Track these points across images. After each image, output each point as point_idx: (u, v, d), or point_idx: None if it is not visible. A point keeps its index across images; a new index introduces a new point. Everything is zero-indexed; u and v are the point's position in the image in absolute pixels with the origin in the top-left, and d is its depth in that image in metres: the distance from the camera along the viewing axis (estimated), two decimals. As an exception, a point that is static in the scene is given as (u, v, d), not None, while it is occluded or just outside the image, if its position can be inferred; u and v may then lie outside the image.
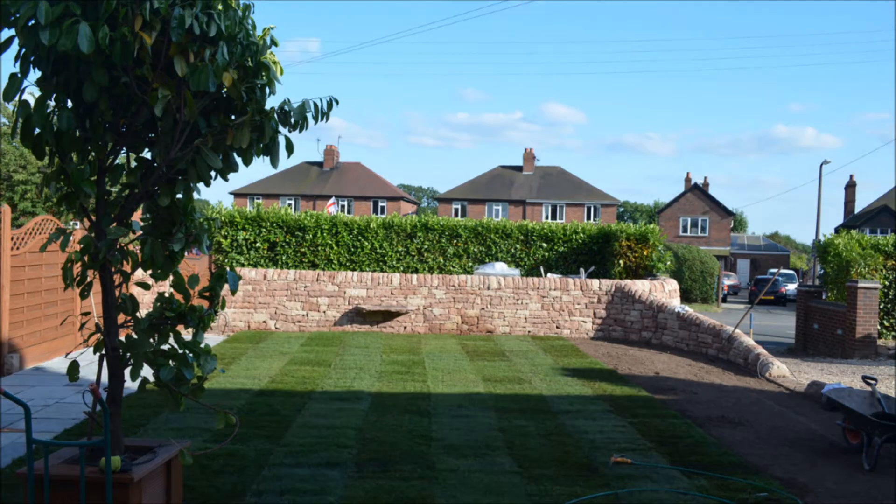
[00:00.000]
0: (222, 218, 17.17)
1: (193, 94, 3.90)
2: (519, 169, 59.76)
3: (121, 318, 4.32)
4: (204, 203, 50.48)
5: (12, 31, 3.60)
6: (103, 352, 4.17)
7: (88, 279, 4.13)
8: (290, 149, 4.33)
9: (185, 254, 4.50)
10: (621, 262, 17.24)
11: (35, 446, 3.74)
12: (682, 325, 13.51)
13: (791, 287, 36.11)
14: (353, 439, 6.58)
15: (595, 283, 15.04)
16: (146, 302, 13.51)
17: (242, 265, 17.09)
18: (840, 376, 12.11)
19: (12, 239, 9.47)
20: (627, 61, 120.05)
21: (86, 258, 4.03)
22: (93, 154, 4.03)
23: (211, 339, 13.13)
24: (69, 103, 3.87)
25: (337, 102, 4.29)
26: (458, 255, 18.10)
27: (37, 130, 3.77)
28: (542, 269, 18.15)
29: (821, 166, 36.67)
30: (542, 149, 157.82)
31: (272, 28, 4.19)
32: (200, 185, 4.20)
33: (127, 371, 4.18)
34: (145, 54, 3.72)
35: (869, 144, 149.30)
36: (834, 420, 7.77)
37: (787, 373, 10.83)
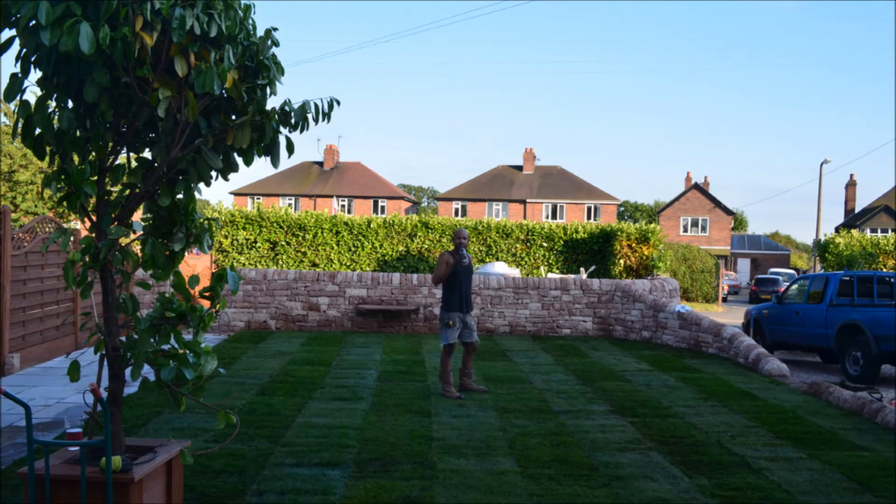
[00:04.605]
0: (223, 217, 17.18)
1: (195, 94, 3.90)
2: (519, 168, 59.78)
3: (121, 318, 4.32)
4: (204, 203, 50.56)
5: (13, 32, 3.60)
6: (104, 352, 4.18)
7: (89, 279, 4.14)
8: (290, 149, 4.33)
9: (186, 253, 4.50)
10: (622, 261, 17.26)
11: (36, 446, 3.74)
12: (682, 325, 13.51)
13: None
14: (353, 439, 6.58)
15: (595, 282, 15.04)
16: (147, 302, 13.52)
17: (243, 265, 17.10)
18: (840, 375, 12.11)
19: (13, 239, 9.47)
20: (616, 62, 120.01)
21: (86, 258, 4.03)
22: (93, 154, 4.03)
23: (211, 338, 13.14)
24: (70, 103, 3.87)
25: (338, 103, 4.29)
26: (458, 254, 18.10)
27: (38, 130, 3.77)
28: (542, 269, 18.16)
29: (821, 165, 36.65)
30: (544, 147, 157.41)
31: (274, 29, 4.19)
32: (201, 185, 4.19)
33: (127, 371, 4.18)
34: (146, 54, 3.71)
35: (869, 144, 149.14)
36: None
37: (787, 371, 10.83)
